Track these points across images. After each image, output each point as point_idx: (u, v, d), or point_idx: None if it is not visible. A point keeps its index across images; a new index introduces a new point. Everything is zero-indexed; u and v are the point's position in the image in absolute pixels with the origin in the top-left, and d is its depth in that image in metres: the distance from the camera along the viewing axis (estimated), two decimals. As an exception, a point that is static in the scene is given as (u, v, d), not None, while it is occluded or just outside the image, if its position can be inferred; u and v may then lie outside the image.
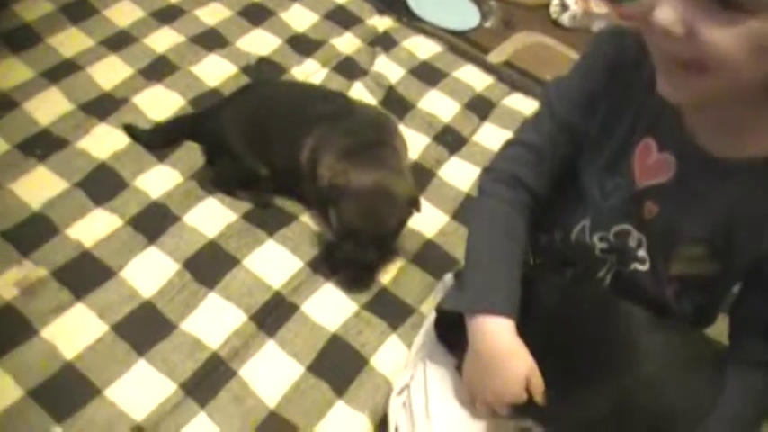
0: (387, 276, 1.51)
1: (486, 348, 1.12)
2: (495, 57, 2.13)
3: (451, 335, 1.23)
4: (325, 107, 1.55)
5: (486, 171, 1.21)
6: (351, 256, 1.42)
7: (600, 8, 2.32)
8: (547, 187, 1.17)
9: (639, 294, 1.13)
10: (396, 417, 1.25)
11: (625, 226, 1.11)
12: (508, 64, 2.12)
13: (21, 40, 1.73)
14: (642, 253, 1.11)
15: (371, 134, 1.52)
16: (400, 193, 1.43)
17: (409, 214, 1.47)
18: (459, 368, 1.23)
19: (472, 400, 1.17)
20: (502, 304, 1.11)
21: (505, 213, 1.16)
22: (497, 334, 1.10)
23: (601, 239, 1.14)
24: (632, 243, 1.11)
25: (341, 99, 1.64)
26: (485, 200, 1.20)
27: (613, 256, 1.13)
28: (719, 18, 0.79)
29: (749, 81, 0.85)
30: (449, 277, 1.42)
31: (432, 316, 1.33)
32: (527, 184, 1.16)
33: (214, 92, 1.75)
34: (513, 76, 2.04)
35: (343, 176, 1.41)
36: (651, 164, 1.07)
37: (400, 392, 1.28)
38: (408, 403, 1.24)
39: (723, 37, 0.79)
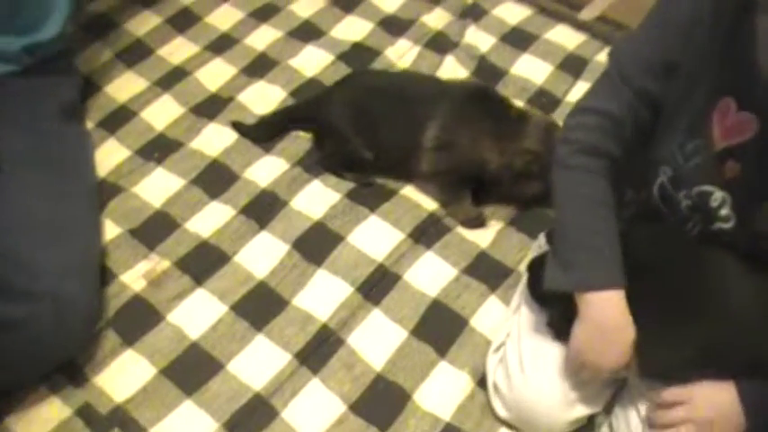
0: (485, 240, 1.57)
1: (602, 321, 1.16)
2: (587, 13, 2.11)
3: (543, 293, 1.28)
4: (434, 90, 1.63)
5: (565, 143, 1.22)
6: None
7: (694, -51, 2.25)
8: (626, 150, 1.19)
9: (726, 249, 1.15)
10: (493, 372, 1.32)
11: (707, 187, 1.12)
12: (602, 19, 2.10)
13: (134, 54, 1.88)
14: (725, 212, 1.12)
15: (495, 103, 1.61)
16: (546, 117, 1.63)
17: None
18: (550, 324, 1.29)
19: (580, 368, 1.21)
20: (613, 278, 1.15)
21: (595, 183, 1.18)
22: (612, 307, 1.15)
23: (685, 196, 1.16)
24: (714, 203, 1.12)
25: (440, 81, 1.74)
26: (572, 174, 1.21)
27: (697, 215, 1.16)
28: None
29: None
30: (542, 237, 1.46)
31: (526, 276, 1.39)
32: (610, 153, 1.18)
33: (313, 81, 1.85)
34: (606, 31, 2.02)
35: (523, 155, 1.51)
36: (731, 123, 1.08)
37: (497, 350, 1.34)
38: (504, 359, 1.30)
39: None
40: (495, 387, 1.31)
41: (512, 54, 1.95)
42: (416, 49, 1.94)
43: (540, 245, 1.46)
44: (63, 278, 1.29)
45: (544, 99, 1.85)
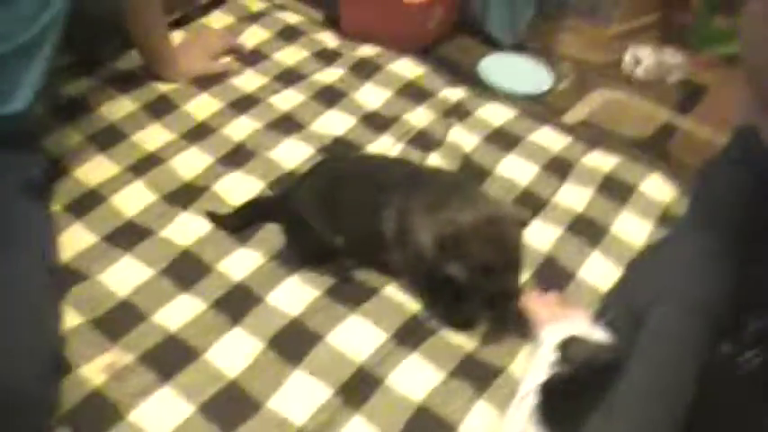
0: (471, 342, 1.48)
1: None
2: (571, 117, 2.11)
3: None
4: (399, 174, 1.56)
5: (685, 310, 1.20)
6: (502, 290, 1.42)
7: (675, 58, 2.29)
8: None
9: None
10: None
11: None
12: (585, 123, 2.10)
13: (107, 138, 1.81)
14: None
15: (456, 188, 1.52)
16: (511, 215, 1.45)
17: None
18: None
19: None
20: None
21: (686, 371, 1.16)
22: None
23: (756, 317, 1.14)
24: None
25: (411, 165, 1.67)
26: (672, 346, 1.19)
27: (761, 344, 1.13)
28: None
29: None
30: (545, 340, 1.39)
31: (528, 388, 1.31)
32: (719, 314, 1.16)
33: (291, 174, 1.79)
34: (591, 135, 2.01)
35: (450, 226, 1.38)
36: None
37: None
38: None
39: None
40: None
41: (496, 154, 1.91)
42: (399, 146, 1.89)
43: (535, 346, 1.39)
44: (12, 369, 1.18)
45: (530, 200, 1.80)
